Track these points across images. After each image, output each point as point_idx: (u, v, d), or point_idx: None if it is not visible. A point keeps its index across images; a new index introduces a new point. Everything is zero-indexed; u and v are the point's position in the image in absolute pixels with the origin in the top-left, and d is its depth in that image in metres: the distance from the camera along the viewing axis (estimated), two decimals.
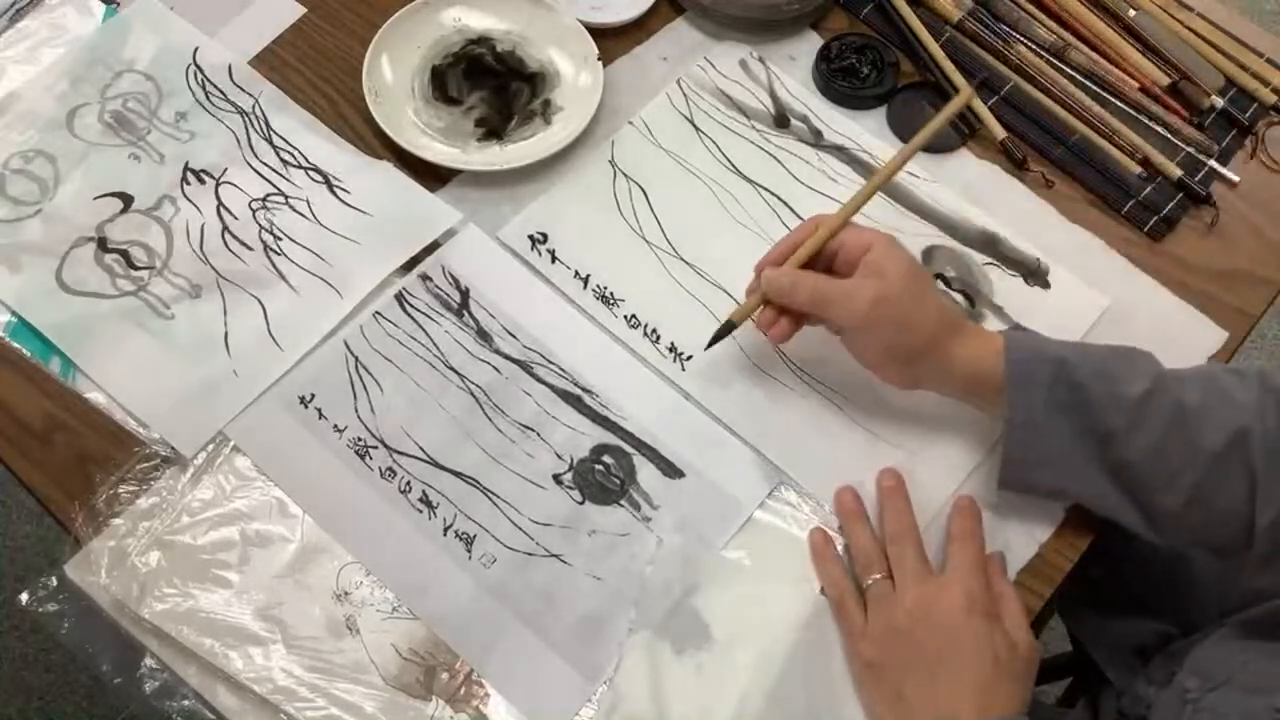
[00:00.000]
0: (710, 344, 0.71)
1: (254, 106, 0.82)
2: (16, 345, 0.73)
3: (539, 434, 0.71)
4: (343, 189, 0.79)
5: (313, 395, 0.72)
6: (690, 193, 0.80)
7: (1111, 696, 0.78)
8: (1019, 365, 0.64)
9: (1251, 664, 0.62)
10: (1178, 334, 0.77)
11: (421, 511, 0.69)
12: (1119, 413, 0.63)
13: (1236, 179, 0.83)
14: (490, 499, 0.69)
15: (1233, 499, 0.63)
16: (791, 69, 0.86)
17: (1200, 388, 0.64)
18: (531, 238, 0.78)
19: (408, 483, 0.69)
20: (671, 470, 0.70)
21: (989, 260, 0.79)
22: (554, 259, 0.77)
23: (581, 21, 0.84)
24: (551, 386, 0.73)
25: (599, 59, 0.83)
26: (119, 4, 0.86)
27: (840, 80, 0.85)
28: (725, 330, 0.70)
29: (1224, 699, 0.61)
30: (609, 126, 0.83)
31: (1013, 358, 0.65)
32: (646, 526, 0.69)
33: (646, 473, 0.70)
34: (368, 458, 0.70)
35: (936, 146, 0.83)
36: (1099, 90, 0.86)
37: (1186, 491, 0.63)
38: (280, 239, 0.77)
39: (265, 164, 0.80)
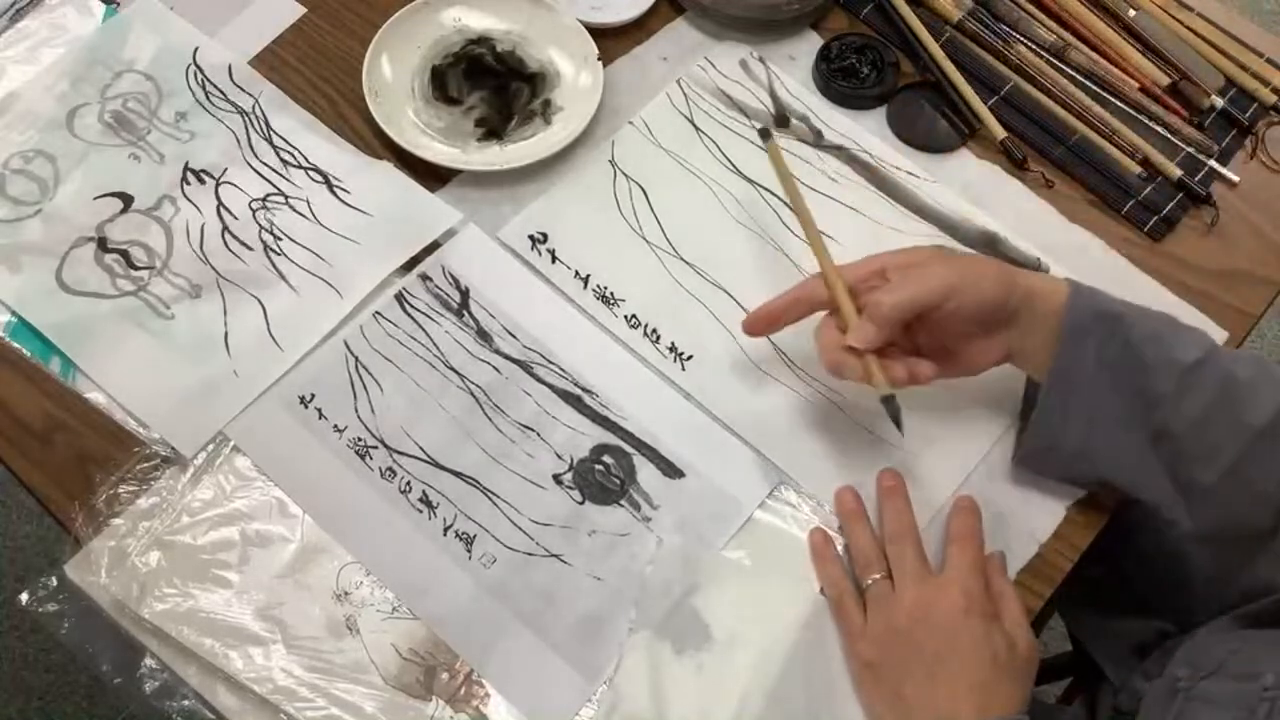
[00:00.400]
0: (899, 427, 0.66)
1: (254, 106, 0.82)
2: (16, 345, 0.73)
3: (539, 434, 0.71)
4: (343, 189, 0.79)
5: (313, 395, 0.72)
6: (690, 193, 0.80)
7: (1109, 693, 0.78)
8: (1076, 315, 0.64)
9: (1241, 651, 0.62)
10: None
11: (421, 511, 0.69)
12: (1169, 377, 0.63)
13: (1236, 179, 0.83)
14: (490, 499, 0.69)
15: (1269, 479, 0.63)
16: (791, 69, 0.86)
17: (1251, 365, 0.64)
18: (531, 238, 0.78)
19: (408, 483, 0.69)
20: (671, 470, 0.70)
21: None
22: (554, 259, 0.77)
23: (581, 21, 0.84)
24: (551, 386, 0.73)
25: (599, 59, 0.83)
26: (119, 4, 0.86)
27: (840, 80, 0.85)
28: (893, 407, 0.65)
29: (1214, 686, 0.61)
30: (609, 126, 0.83)
31: (1073, 305, 0.64)
32: (646, 526, 0.69)
33: (646, 473, 0.70)
34: (368, 458, 0.70)
35: (936, 146, 0.83)
36: (1099, 90, 0.86)
37: (1225, 466, 0.63)
38: (280, 239, 0.77)
39: (265, 164, 0.80)
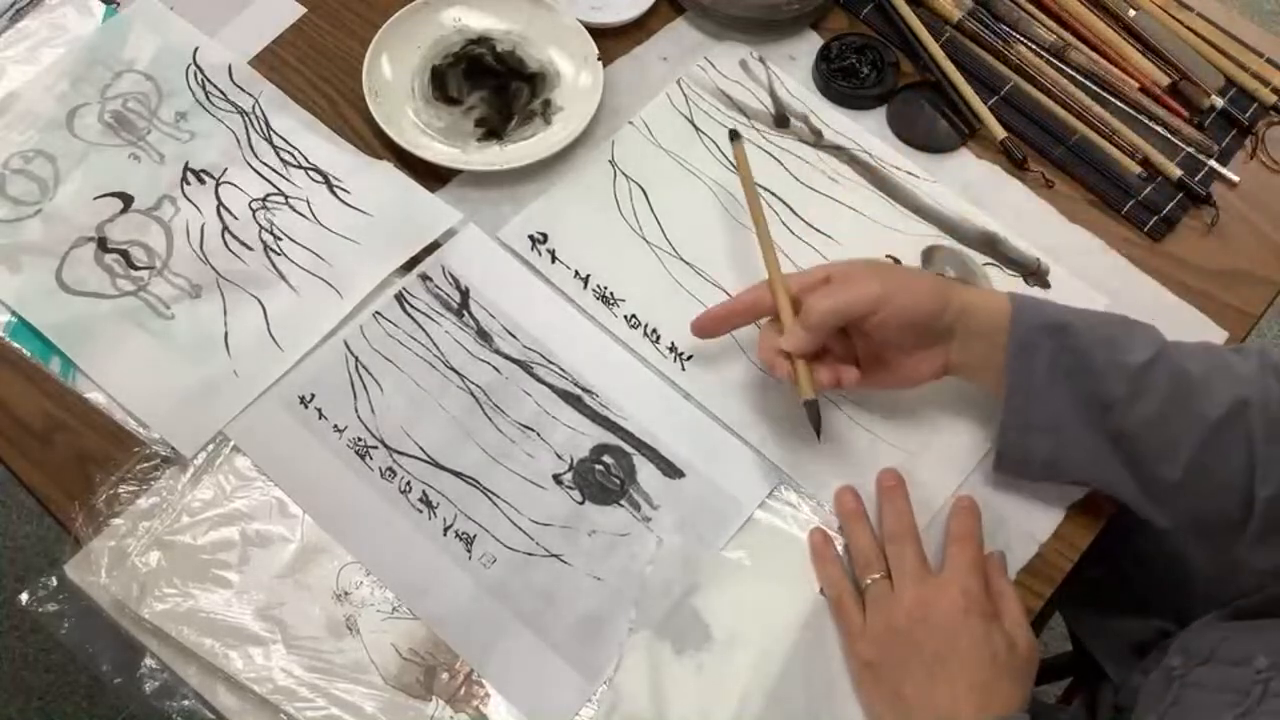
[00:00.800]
0: (818, 432, 0.67)
1: (254, 106, 0.82)
2: (16, 345, 0.73)
3: (539, 434, 0.71)
4: (343, 189, 0.79)
5: (313, 395, 0.72)
6: (690, 193, 0.80)
7: (1109, 691, 0.79)
8: (1023, 329, 0.64)
9: (1231, 639, 0.62)
10: (1178, 334, 0.76)
11: (421, 511, 0.69)
12: (1121, 380, 0.63)
13: (1236, 179, 0.83)
14: (490, 499, 0.69)
15: (1232, 470, 0.63)
16: (791, 69, 0.86)
17: (1203, 359, 0.65)
18: (531, 238, 0.78)
19: (408, 483, 0.69)
20: (671, 470, 0.70)
21: (989, 260, 0.79)
22: (554, 259, 0.77)
23: (581, 21, 0.84)
24: (551, 386, 0.73)
25: (599, 59, 0.83)
26: (119, 4, 0.86)
27: (840, 80, 0.85)
28: (815, 413, 0.66)
29: (1208, 672, 0.61)
30: (609, 126, 0.83)
31: (1018, 319, 0.65)
32: (646, 526, 0.69)
33: (646, 473, 0.70)
34: (368, 458, 0.70)
35: (936, 146, 0.83)
36: (1099, 90, 0.86)
37: (1186, 461, 0.63)
38: (280, 239, 0.77)
39: (265, 164, 0.80)
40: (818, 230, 0.79)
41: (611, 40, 0.86)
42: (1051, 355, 0.64)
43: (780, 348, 0.66)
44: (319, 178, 0.79)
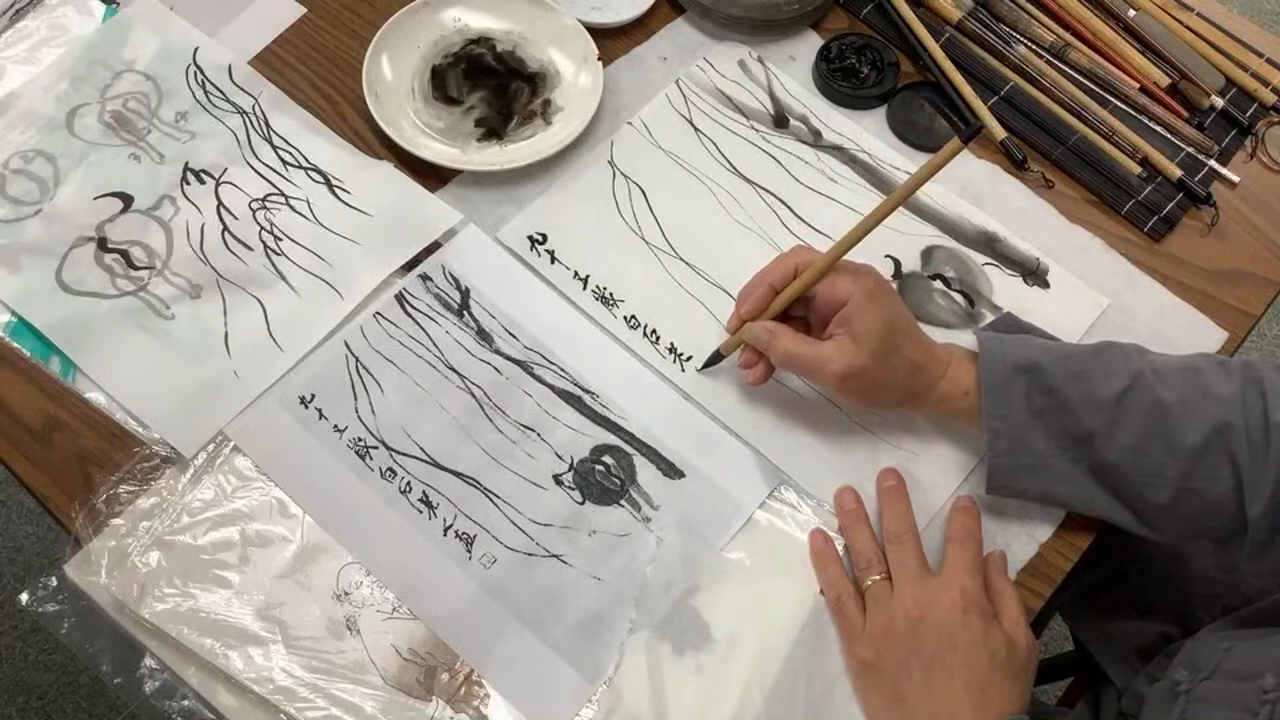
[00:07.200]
0: (704, 368, 0.73)
1: (254, 107, 0.82)
2: (16, 345, 0.73)
3: (539, 434, 0.71)
4: (343, 189, 0.79)
5: (313, 395, 0.72)
6: (689, 193, 0.80)
7: (1112, 696, 0.78)
8: (993, 378, 0.65)
9: (1236, 651, 0.62)
10: (1178, 334, 0.77)
11: (422, 512, 0.69)
12: (1096, 413, 0.64)
13: (1236, 179, 0.83)
14: (490, 499, 0.69)
15: (1220, 492, 0.63)
16: (791, 69, 0.86)
17: (1180, 382, 0.64)
18: (531, 238, 0.78)
19: (408, 483, 0.69)
20: (672, 470, 0.70)
21: (988, 260, 0.79)
22: (553, 259, 0.77)
23: (581, 21, 0.84)
24: (552, 387, 0.73)
25: (599, 59, 0.83)
26: (119, 4, 0.86)
27: (840, 80, 0.85)
28: (715, 359, 0.73)
29: (1213, 687, 0.61)
30: (609, 126, 0.83)
31: (987, 369, 0.65)
32: (647, 527, 0.69)
33: (647, 473, 0.70)
34: (368, 458, 0.70)
35: (936, 146, 0.83)
36: (1099, 90, 0.86)
37: (1172, 486, 0.64)
38: (280, 239, 0.77)
39: (265, 164, 0.80)
40: (817, 230, 0.79)
41: (611, 40, 0.86)
42: (1025, 395, 0.65)
43: (741, 316, 0.70)
44: (319, 178, 0.79)
